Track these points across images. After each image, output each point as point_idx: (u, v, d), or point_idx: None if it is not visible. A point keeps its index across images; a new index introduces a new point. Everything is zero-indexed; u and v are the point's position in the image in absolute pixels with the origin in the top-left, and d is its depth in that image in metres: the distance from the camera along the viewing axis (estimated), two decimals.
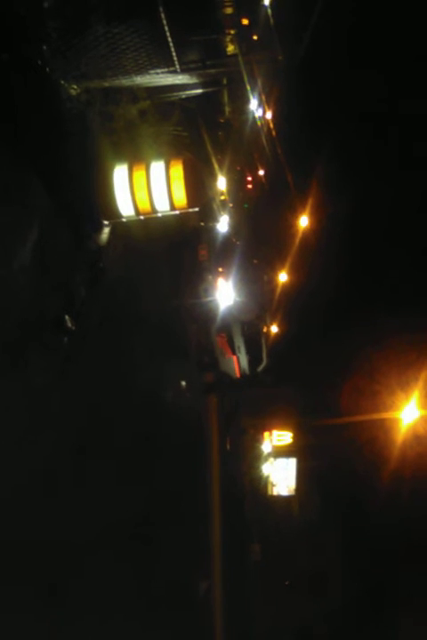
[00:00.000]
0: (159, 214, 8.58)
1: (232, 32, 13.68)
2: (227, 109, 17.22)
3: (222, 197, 17.67)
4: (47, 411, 6.73)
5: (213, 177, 15.45)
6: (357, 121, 18.04)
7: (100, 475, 7.18)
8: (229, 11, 14.51)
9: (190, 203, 8.51)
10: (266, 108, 17.63)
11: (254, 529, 17.88)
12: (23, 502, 5.68)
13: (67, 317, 7.89)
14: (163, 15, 7.19)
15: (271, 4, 12.55)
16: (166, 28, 7.42)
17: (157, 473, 8.99)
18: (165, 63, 8.18)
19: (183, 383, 13.05)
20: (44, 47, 7.28)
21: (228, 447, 16.96)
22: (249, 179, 24.85)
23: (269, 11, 12.33)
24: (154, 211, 8.46)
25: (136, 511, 7.96)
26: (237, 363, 18.13)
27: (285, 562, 17.05)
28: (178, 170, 8.26)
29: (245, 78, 13.01)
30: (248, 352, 18.46)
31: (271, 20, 12.04)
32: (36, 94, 7.25)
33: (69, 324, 7.91)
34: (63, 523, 6.17)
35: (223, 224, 16.99)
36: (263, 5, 12.71)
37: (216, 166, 15.46)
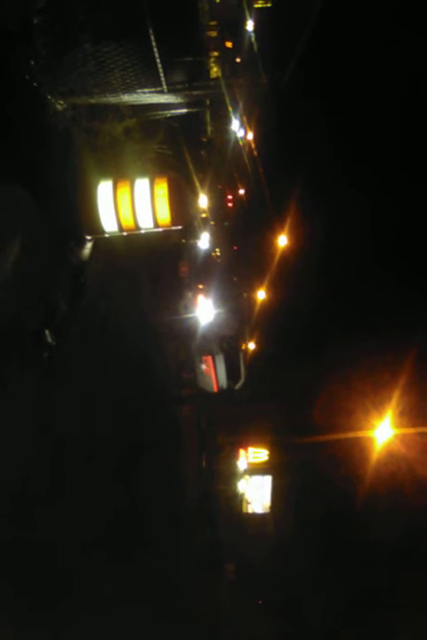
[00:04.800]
0: (142, 231, 8.59)
1: (216, 54, 13.98)
2: (209, 129, 17.49)
3: (204, 215, 17.81)
4: (26, 424, 6.63)
5: (195, 195, 15.59)
6: (335, 145, 18.53)
7: (80, 488, 7.10)
8: (213, 34, 14.83)
9: (174, 221, 8.55)
10: (248, 129, 17.97)
11: (228, 547, 17.75)
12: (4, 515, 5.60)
13: (47, 332, 7.80)
14: (152, 36, 7.30)
15: (255, 29, 12.89)
16: (155, 49, 7.53)
17: (141, 486, 8.94)
18: (153, 83, 8.28)
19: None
20: (32, 62, 7.29)
21: (203, 464, 16.89)
22: (230, 197, 25.16)
23: (253, 36, 12.64)
24: (137, 227, 8.46)
25: (119, 523, 7.91)
26: (216, 379, 18.13)
27: (259, 581, 16.97)
28: (162, 187, 8.30)
29: (228, 100, 13.26)
30: (226, 368, 18.50)
31: (255, 46, 12.33)
32: (23, 109, 7.24)
33: (50, 339, 7.82)
34: (44, 536, 6.08)
35: (204, 241, 17.11)
36: (247, 31, 13.03)
37: (198, 184, 15.60)
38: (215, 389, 18.44)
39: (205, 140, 18.15)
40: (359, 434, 13.13)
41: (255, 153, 18.72)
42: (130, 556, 8.52)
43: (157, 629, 9.03)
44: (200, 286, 17.34)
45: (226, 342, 18.13)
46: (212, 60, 12.92)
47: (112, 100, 8.57)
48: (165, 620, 9.74)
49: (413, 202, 18.84)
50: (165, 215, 8.40)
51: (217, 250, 20.73)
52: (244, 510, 19.59)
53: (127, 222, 8.37)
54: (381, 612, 14.85)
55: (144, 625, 8.49)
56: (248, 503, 19.61)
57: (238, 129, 17.05)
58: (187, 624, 11.35)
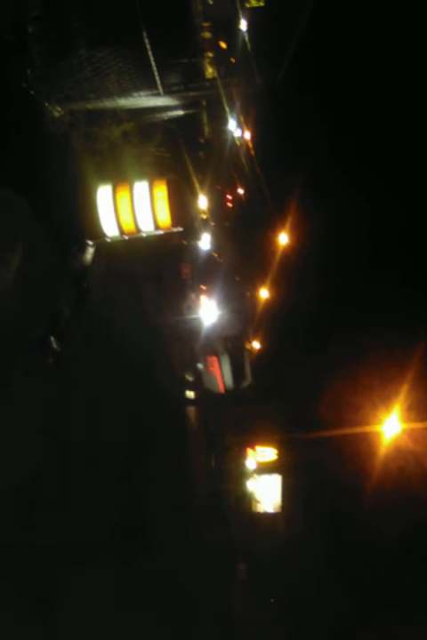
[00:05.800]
0: (143, 234, 8.61)
1: (210, 55, 14.00)
2: (207, 130, 17.52)
3: (204, 216, 17.81)
4: (32, 430, 6.66)
5: (195, 196, 15.60)
6: (332, 143, 18.52)
7: (87, 492, 7.12)
8: (207, 35, 14.86)
9: (174, 223, 8.56)
10: (244, 128, 17.99)
11: (240, 548, 17.74)
12: (7, 520, 5.62)
13: (52, 338, 7.84)
14: (146, 40, 7.34)
15: (249, 29, 12.92)
16: (150, 52, 7.57)
17: (149, 488, 8.96)
18: (149, 86, 8.32)
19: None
20: (28, 70, 7.34)
21: (212, 464, 16.89)
22: (229, 197, 25.13)
23: (246, 35, 12.67)
24: (138, 231, 8.48)
25: (127, 525, 7.93)
26: (221, 379, 18.11)
27: (271, 579, 16.95)
28: (162, 190, 8.32)
29: (224, 100, 13.29)
30: (232, 368, 18.47)
31: (248, 45, 12.36)
32: (20, 117, 7.29)
33: (54, 345, 7.85)
34: (50, 541, 6.11)
35: (205, 242, 17.09)
36: (240, 30, 13.06)
37: (197, 186, 15.61)
38: (221, 390, 18.42)
39: (202, 141, 18.16)
40: (367, 429, 13.09)
41: (253, 152, 18.74)
42: (139, 557, 8.53)
43: (167, 631, 9.03)
44: (203, 287, 17.32)
45: (230, 342, 18.10)
46: (207, 60, 12.94)
47: (109, 104, 8.62)
48: (175, 621, 9.74)
49: (415, 200, 18.81)
50: (165, 217, 8.41)
51: (217, 253, 20.74)
52: (254, 510, 19.58)
53: (128, 226, 8.39)
54: (395, 612, 14.79)
55: (154, 627, 8.49)
56: (258, 503, 19.59)
57: (235, 129, 17.07)
58: (199, 624, 11.35)
